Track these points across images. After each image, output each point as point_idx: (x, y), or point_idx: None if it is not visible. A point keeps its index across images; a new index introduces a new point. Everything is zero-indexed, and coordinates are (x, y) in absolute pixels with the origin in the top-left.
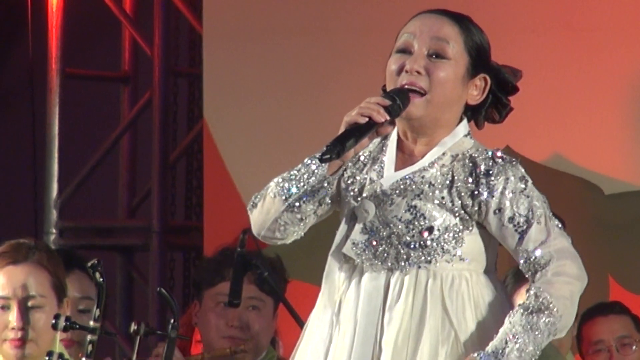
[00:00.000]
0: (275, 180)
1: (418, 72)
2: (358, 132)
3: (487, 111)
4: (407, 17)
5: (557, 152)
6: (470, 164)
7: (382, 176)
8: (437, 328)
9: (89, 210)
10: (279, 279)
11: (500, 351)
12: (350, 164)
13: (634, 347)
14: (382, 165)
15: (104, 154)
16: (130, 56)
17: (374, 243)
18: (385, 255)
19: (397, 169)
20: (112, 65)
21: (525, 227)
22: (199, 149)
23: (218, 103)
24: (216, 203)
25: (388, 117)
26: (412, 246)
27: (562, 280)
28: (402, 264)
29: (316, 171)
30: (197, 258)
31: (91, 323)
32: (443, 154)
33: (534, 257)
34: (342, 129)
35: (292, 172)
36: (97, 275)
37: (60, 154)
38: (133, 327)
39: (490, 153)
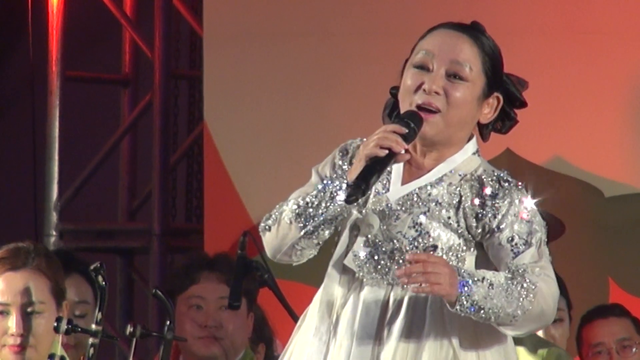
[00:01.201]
0: (291, 205)
1: (436, 93)
2: (379, 165)
3: (494, 124)
4: (409, 20)
5: (558, 154)
6: (478, 186)
7: (388, 189)
8: (436, 347)
9: (89, 213)
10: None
11: (476, 278)
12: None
13: (634, 350)
14: (389, 177)
15: (105, 157)
16: (130, 59)
17: (376, 257)
18: (387, 270)
19: (403, 182)
20: (112, 68)
21: (522, 248)
22: (200, 151)
23: (218, 105)
24: (216, 205)
25: (407, 146)
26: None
27: (544, 291)
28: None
29: (337, 204)
30: None
31: (93, 326)
32: (451, 171)
33: (521, 268)
34: (361, 163)
35: (308, 200)
36: (100, 278)
37: (61, 157)
38: (129, 329)
39: (497, 175)
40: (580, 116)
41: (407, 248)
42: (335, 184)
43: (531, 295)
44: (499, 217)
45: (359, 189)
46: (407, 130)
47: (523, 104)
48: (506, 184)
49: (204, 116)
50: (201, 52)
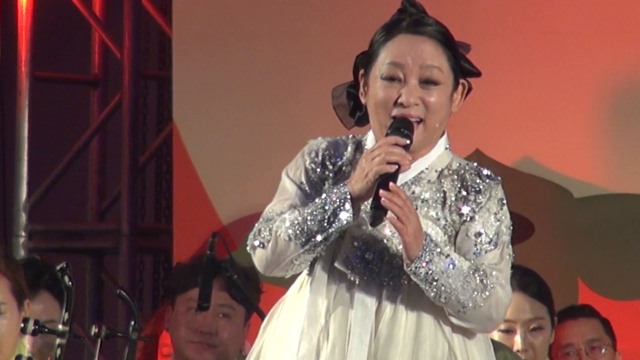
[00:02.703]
0: (287, 223)
1: (416, 104)
2: (391, 181)
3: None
4: (377, 22)
5: (527, 155)
6: (460, 182)
7: None
8: (432, 343)
9: (58, 213)
10: (253, 289)
11: (441, 251)
12: (331, 174)
13: (603, 351)
14: None
15: (74, 157)
16: (99, 59)
17: (366, 257)
18: (377, 270)
19: None
20: (81, 68)
21: (486, 247)
22: (169, 151)
23: (187, 106)
24: (186, 206)
25: (410, 158)
26: (403, 262)
27: (499, 296)
28: (395, 279)
29: (342, 222)
30: (167, 261)
31: (60, 327)
32: (427, 168)
33: (482, 268)
34: (368, 178)
35: (308, 217)
36: (66, 279)
37: (30, 157)
38: (94, 330)
39: (477, 169)
40: (549, 117)
41: (397, 248)
42: (333, 199)
43: (486, 293)
44: (477, 209)
45: (382, 210)
46: (408, 142)
47: (479, 74)
48: (488, 179)
49: (173, 116)
50: (170, 53)
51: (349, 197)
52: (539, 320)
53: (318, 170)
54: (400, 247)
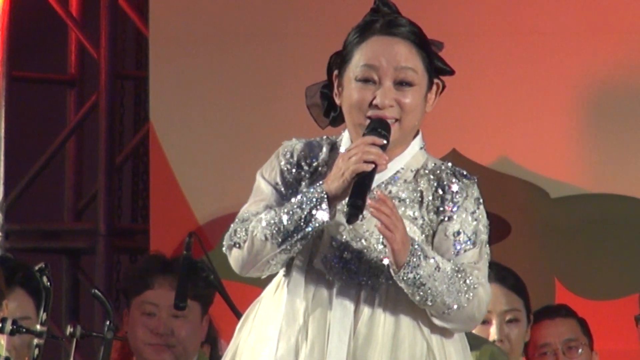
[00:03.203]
0: (264, 223)
1: (390, 106)
2: (368, 179)
3: None
4: (355, 22)
5: (504, 155)
6: (436, 181)
7: None
8: (411, 342)
9: (35, 213)
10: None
11: (427, 255)
12: (307, 175)
13: (580, 350)
14: None
15: (50, 157)
16: (76, 59)
17: (344, 257)
18: (355, 269)
19: None
20: (58, 68)
21: (465, 246)
22: (145, 151)
23: (164, 106)
24: (162, 206)
25: (387, 157)
26: (382, 261)
27: (481, 296)
28: (373, 278)
29: (318, 221)
30: None
31: (37, 327)
32: (402, 168)
33: (462, 268)
34: (345, 177)
35: (284, 217)
36: (45, 279)
37: (6, 157)
38: (69, 329)
39: (452, 169)
40: (526, 117)
41: (375, 247)
42: (309, 198)
43: (471, 294)
44: (454, 209)
45: (358, 207)
46: (385, 142)
47: (452, 72)
48: (464, 179)
49: (150, 116)
50: (147, 53)
51: (325, 196)
52: (515, 312)
53: (293, 171)
54: (379, 246)
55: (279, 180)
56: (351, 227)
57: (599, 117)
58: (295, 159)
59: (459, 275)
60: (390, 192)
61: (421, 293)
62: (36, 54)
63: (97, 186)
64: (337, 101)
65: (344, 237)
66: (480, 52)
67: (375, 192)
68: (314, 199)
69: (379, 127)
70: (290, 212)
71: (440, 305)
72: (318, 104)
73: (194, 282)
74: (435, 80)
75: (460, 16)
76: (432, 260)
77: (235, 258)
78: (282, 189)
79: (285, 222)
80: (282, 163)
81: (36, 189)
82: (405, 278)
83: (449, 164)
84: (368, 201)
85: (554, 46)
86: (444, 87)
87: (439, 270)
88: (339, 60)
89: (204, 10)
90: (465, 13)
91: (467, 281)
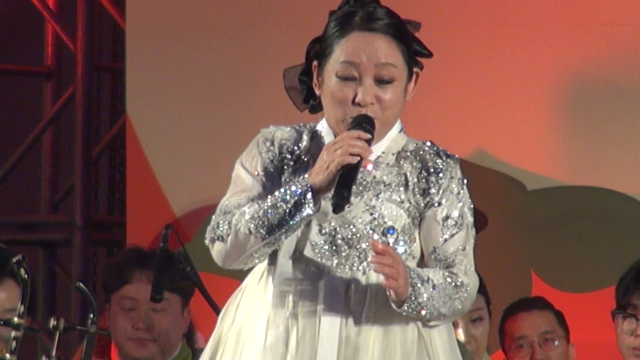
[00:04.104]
0: (247, 216)
1: (371, 104)
2: (353, 172)
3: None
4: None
5: (480, 147)
6: (420, 163)
7: None
8: (402, 327)
9: (11, 205)
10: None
11: (424, 279)
12: (290, 163)
13: (556, 343)
14: None
15: (27, 149)
16: (53, 51)
17: (334, 244)
18: (345, 255)
19: None
20: (35, 60)
21: (453, 231)
22: (122, 144)
23: (141, 98)
24: (139, 198)
25: (372, 151)
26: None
27: (470, 291)
28: (363, 264)
29: (305, 213)
30: None
31: (15, 319)
32: (383, 152)
33: (450, 258)
34: (330, 170)
35: (268, 209)
36: (22, 271)
37: None
38: (52, 322)
39: (435, 149)
40: (502, 109)
41: (365, 232)
42: (294, 192)
43: (464, 296)
44: (441, 192)
45: (345, 197)
46: (370, 136)
47: (430, 55)
48: (448, 159)
49: (127, 109)
50: (124, 45)
51: (309, 189)
52: (479, 310)
53: (275, 160)
54: (368, 231)
55: (259, 169)
56: (339, 214)
57: (575, 110)
58: (276, 147)
59: (450, 280)
60: (374, 177)
61: (421, 314)
62: (12, 45)
63: (73, 178)
64: (317, 92)
65: (332, 224)
66: (456, 44)
67: (373, 242)
68: (299, 192)
69: (364, 122)
70: (276, 206)
71: (436, 316)
72: (297, 88)
73: (173, 275)
74: (415, 69)
75: (436, 8)
76: (428, 283)
77: (218, 251)
78: (264, 179)
79: (269, 216)
80: (263, 151)
81: (12, 181)
82: (408, 310)
83: (430, 143)
84: (370, 257)
85: (531, 38)
86: (422, 67)
87: (434, 289)
88: (319, 51)
89: (180, 2)
90: (441, 5)
91: (457, 283)
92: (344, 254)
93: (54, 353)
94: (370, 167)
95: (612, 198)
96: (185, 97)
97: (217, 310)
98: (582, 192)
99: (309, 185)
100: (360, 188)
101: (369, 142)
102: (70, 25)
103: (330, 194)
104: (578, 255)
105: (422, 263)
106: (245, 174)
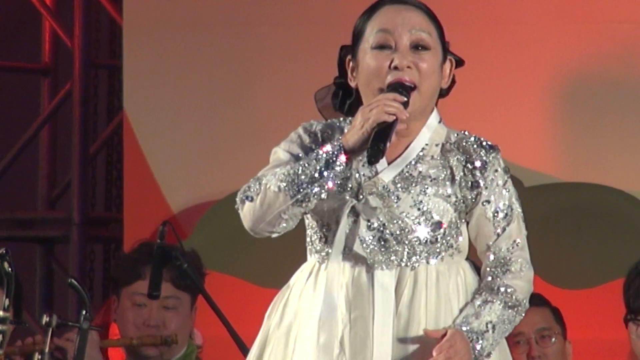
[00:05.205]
0: (278, 175)
1: (409, 67)
2: (389, 129)
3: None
4: (331, 11)
5: None
6: (464, 156)
7: (377, 171)
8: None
9: (8, 202)
10: (197, 273)
11: (484, 330)
12: None
13: (553, 339)
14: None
15: (24, 146)
16: (50, 48)
17: (383, 240)
18: (394, 251)
19: (387, 161)
20: (32, 57)
21: (504, 224)
22: (119, 141)
23: (138, 95)
24: (136, 195)
25: (408, 115)
26: (420, 242)
27: (525, 287)
28: (412, 260)
29: (337, 168)
30: (117, 250)
31: (0, 313)
32: (427, 144)
33: (506, 257)
34: (365, 128)
35: (299, 168)
36: (6, 265)
37: None
38: (45, 318)
39: (477, 141)
40: (500, 106)
41: (413, 227)
42: (326, 149)
43: (522, 311)
44: (487, 187)
45: (379, 150)
46: (405, 99)
47: (462, 63)
48: (491, 151)
49: (124, 106)
50: (121, 41)
51: (342, 148)
52: None
53: (314, 143)
54: (416, 226)
55: (299, 150)
56: (386, 209)
57: (573, 107)
58: (316, 135)
59: (508, 306)
60: (420, 172)
61: (491, 356)
62: (10, 42)
63: (70, 175)
64: (353, 84)
65: (381, 219)
66: (457, 41)
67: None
68: (330, 151)
69: (400, 88)
70: (306, 165)
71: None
72: (329, 105)
73: (190, 275)
74: (449, 57)
75: (435, 7)
76: (487, 331)
77: (247, 212)
78: (302, 155)
79: (300, 174)
80: (304, 139)
81: (10, 177)
82: None
83: (469, 134)
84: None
85: (529, 36)
86: (457, 65)
87: (494, 329)
88: (351, 45)
89: None
90: (440, 3)
91: (515, 302)
92: (392, 249)
93: (47, 349)
94: (404, 125)
95: (610, 195)
96: (183, 94)
97: (212, 306)
98: (580, 189)
99: (341, 145)
100: (405, 182)
101: (404, 105)
102: (67, 22)
103: (370, 192)
104: (575, 252)
105: (465, 254)
106: (284, 153)
